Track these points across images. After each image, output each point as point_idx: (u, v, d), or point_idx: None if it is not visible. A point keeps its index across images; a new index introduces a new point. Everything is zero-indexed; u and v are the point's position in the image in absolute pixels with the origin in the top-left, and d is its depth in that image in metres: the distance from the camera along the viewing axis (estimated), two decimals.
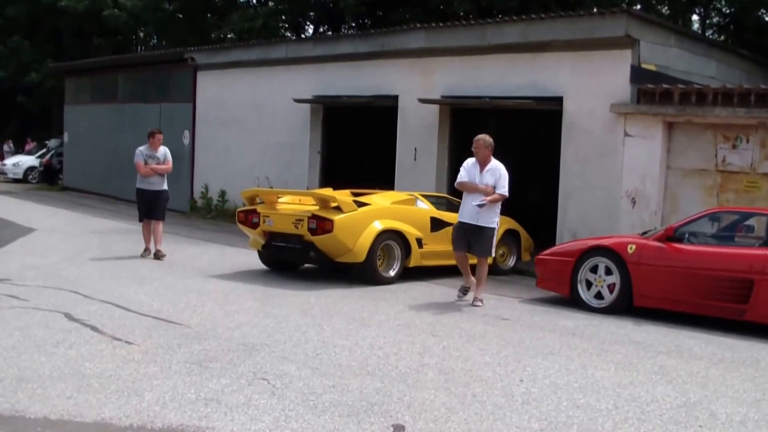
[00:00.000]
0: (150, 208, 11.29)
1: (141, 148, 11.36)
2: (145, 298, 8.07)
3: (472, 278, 8.77)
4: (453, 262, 9.07)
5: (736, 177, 10.38)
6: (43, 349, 5.92)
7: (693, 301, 8.05)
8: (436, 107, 13.73)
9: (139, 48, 38.77)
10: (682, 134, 10.92)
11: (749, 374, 6.16)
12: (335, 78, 15.69)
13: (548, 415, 4.89)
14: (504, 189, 8.53)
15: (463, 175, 8.70)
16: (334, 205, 9.61)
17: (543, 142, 13.70)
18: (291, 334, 6.74)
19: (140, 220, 11.46)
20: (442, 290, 9.45)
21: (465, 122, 13.75)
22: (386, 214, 9.94)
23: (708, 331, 7.72)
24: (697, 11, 26.55)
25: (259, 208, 10.06)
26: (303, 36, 28.46)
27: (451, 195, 11.38)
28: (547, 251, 9.48)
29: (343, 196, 10.06)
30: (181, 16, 30.90)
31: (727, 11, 25.63)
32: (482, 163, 8.63)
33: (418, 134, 14.07)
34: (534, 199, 13.78)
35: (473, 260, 8.78)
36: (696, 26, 26.55)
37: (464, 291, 8.83)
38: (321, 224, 9.37)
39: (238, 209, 10.57)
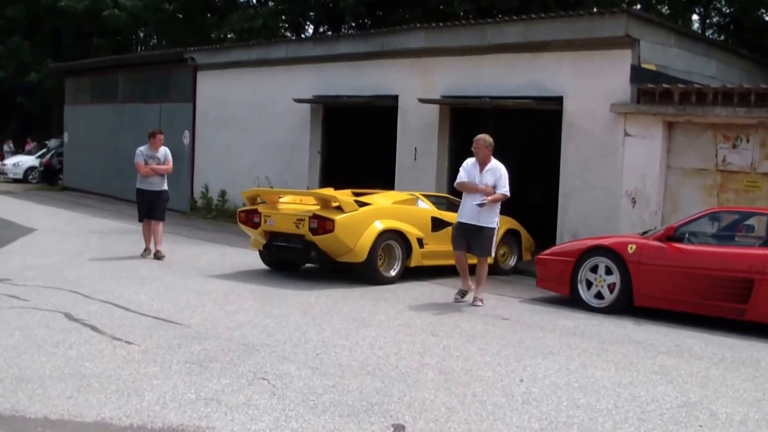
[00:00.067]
0: (150, 208, 11.28)
1: (141, 148, 11.35)
2: (145, 298, 8.07)
3: (470, 282, 8.74)
4: (454, 261, 9.07)
5: (736, 177, 10.38)
6: (43, 349, 5.92)
7: (693, 300, 8.05)
8: (436, 107, 13.73)
9: (139, 48, 38.77)
10: (682, 134, 10.92)
11: (749, 374, 6.16)
12: (335, 78, 15.69)
13: (548, 415, 4.89)
14: (505, 189, 8.53)
15: (462, 176, 8.69)
16: (335, 204, 9.61)
17: (543, 142, 13.71)
18: (291, 334, 6.74)
19: (140, 221, 11.46)
20: (443, 290, 9.45)
21: (465, 122, 13.75)
22: (387, 214, 9.94)
23: (708, 331, 7.72)
24: (697, 11, 26.56)
25: (261, 208, 10.07)
26: (303, 36, 28.47)
27: (452, 195, 11.38)
28: (547, 251, 9.48)
29: (344, 195, 10.07)
30: (181, 16, 30.92)
31: (727, 11, 25.65)
32: (482, 163, 8.62)
33: (418, 134, 14.07)
34: (534, 199, 13.78)
35: (473, 260, 8.77)
36: (696, 26, 26.56)
37: (462, 294, 8.76)
38: (322, 224, 9.37)
39: (240, 209, 10.57)
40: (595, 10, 12.60)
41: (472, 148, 8.69)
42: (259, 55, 17.63)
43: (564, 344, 6.89)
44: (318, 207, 9.73)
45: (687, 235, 8.43)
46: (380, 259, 9.76)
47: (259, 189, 11.85)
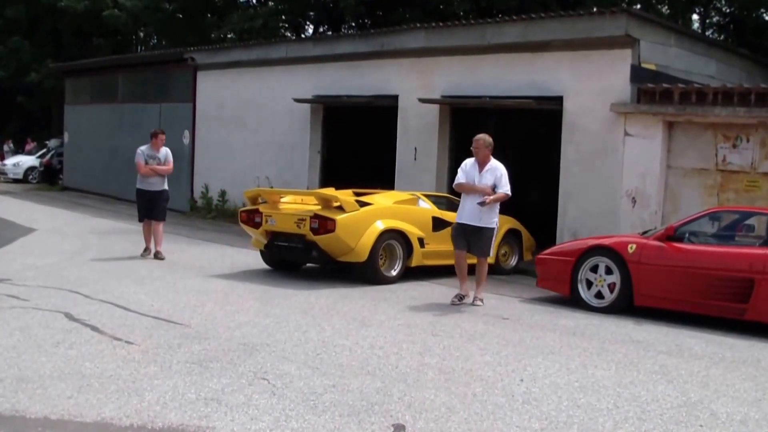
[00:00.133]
0: (150, 208, 11.27)
1: (142, 147, 11.33)
2: (146, 298, 8.07)
3: (467, 287, 8.68)
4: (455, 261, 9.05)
5: (736, 176, 10.38)
6: (43, 349, 5.92)
7: (693, 300, 8.05)
8: (436, 107, 13.73)
9: (139, 48, 38.76)
10: (682, 134, 10.92)
11: (750, 373, 6.16)
12: (335, 78, 15.68)
13: (549, 415, 4.89)
14: (506, 188, 8.51)
15: (460, 177, 8.67)
16: (336, 204, 9.62)
17: (543, 142, 13.70)
18: (291, 334, 6.73)
19: (140, 221, 11.44)
20: (443, 290, 9.44)
21: (465, 122, 13.75)
22: (388, 214, 9.95)
23: (708, 331, 7.72)
24: (697, 11, 26.55)
25: (262, 208, 10.08)
26: (303, 36, 28.47)
27: (452, 195, 11.38)
28: (548, 251, 9.48)
29: (346, 195, 10.07)
30: (181, 16, 30.91)
31: (727, 11, 25.63)
32: (482, 163, 8.61)
33: (418, 134, 14.07)
34: (534, 199, 13.78)
35: (472, 260, 8.76)
36: (696, 26, 26.55)
37: (459, 298, 8.62)
38: (323, 224, 9.37)
39: (241, 209, 10.58)
40: (595, 9, 12.59)
41: (472, 148, 8.68)
42: (259, 55, 17.63)
43: (564, 344, 6.89)
44: (319, 207, 9.73)
45: (687, 235, 8.43)
46: (381, 258, 9.76)
47: (261, 189, 11.86)
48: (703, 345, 7.11)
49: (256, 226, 10.05)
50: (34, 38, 34.57)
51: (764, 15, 24.15)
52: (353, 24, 26.97)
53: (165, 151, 11.35)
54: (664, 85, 10.95)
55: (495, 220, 8.62)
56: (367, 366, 5.82)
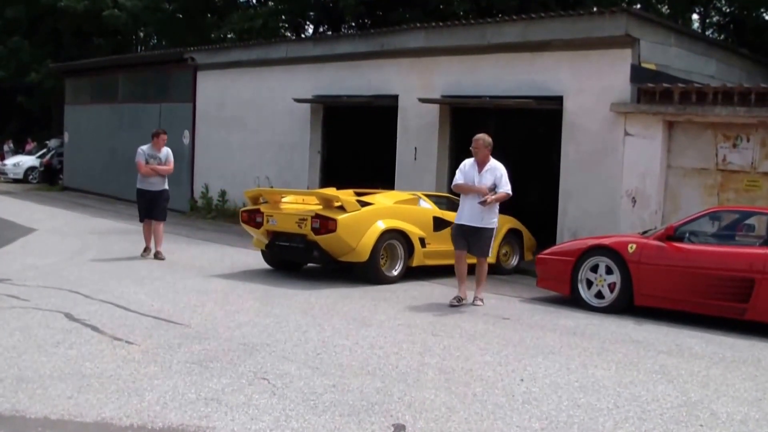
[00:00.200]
0: (150, 208, 11.26)
1: (143, 147, 11.31)
2: (146, 298, 8.07)
3: (466, 290, 8.60)
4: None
5: (736, 176, 10.38)
6: (43, 349, 5.92)
7: (694, 300, 8.05)
8: (436, 107, 13.73)
9: (139, 48, 38.75)
10: (682, 133, 10.92)
11: (750, 373, 6.16)
12: (335, 78, 15.68)
13: (549, 415, 4.88)
14: (507, 187, 8.49)
15: (458, 177, 8.64)
16: (337, 204, 9.62)
17: (543, 142, 13.70)
18: (291, 334, 6.73)
19: (141, 221, 11.43)
20: (443, 290, 9.44)
21: (465, 122, 13.74)
22: (389, 214, 9.95)
23: (709, 331, 7.72)
24: (697, 10, 26.53)
25: (263, 208, 10.08)
26: (303, 36, 28.46)
27: (453, 195, 11.38)
28: (548, 251, 9.48)
29: (347, 195, 10.07)
30: (181, 16, 30.90)
31: (727, 10, 25.62)
32: (481, 163, 8.58)
33: (418, 134, 14.07)
34: (534, 199, 13.78)
35: (472, 260, 8.75)
36: (696, 25, 26.53)
37: (458, 300, 8.50)
38: (324, 224, 9.38)
39: (242, 209, 10.59)
40: (594, 9, 12.57)
41: (471, 148, 8.65)
42: (259, 55, 17.63)
43: (564, 344, 6.88)
44: (320, 207, 9.74)
45: (687, 235, 8.43)
46: (382, 258, 9.76)
47: (262, 189, 11.86)
48: (704, 345, 7.11)
49: (258, 226, 10.05)
50: (34, 38, 34.57)
51: (764, 15, 24.14)
52: (353, 24, 26.96)
53: (166, 151, 11.34)
54: (664, 85, 10.95)
55: (495, 221, 8.62)
56: (367, 366, 5.82)
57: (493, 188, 8.45)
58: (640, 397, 5.34)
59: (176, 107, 19.87)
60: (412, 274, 10.08)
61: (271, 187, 15.29)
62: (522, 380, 5.63)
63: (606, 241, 8.79)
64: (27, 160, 29.56)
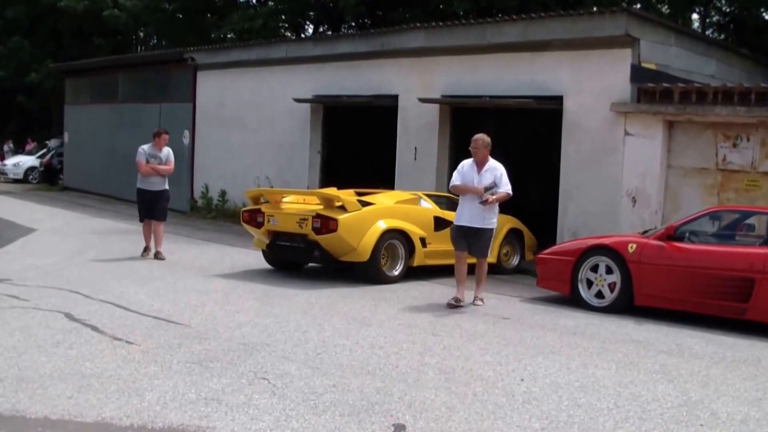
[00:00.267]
0: (151, 208, 11.24)
1: (144, 146, 11.29)
2: (146, 298, 8.07)
3: (464, 292, 8.55)
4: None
5: (736, 176, 10.37)
6: (43, 349, 5.92)
7: (694, 300, 8.05)
8: (436, 107, 13.73)
9: (139, 48, 38.75)
10: (682, 133, 10.91)
11: (750, 373, 6.16)
12: (335, 78, 15.68)
13: (549, 414, 4.88)
14: (507, 187, 8.48)
15: (456, 178, 8.61)
16: (338, 204, 9.62)
17: (543, 142, 13.70)
18: (291, 334, 6.73)
19: (140, 221, 11.42)
20: (443, 290, 9.44)
21: (465, 121, 13.74)
22: (390, 214, 9.95)
23: (709, 330, 7.72)
24: (697, 10, 26.53)
25: (264, 208, 10.09)
26: (303, 36, 28.46)
27: (453, 195, 11.38)
28: (548, 250, 9.48)
29: (348, 195, 10.07)
30: (181, 16, 30.90)
31: (727, 10, 25.62)
32: (480, 163, 8.55)
33: (418, 134, 14.06)
34: (534, 199, 13.78)
35: (471, 260, 8.74)
36: (696, 25, 26.53)
37: (456, 300, 8.41)
38: (325, 223, 9.38)
39: (243, 209, 10.59)
40: (594, 9, 12.56)
41: (471, 149, 8.62)
42: (259, 55, 17.63)
43: (565, 343, 6.88)
44: (321, 207, 9.74)
45: (687, 235, 8.43)
46: (383, 258, 9.76)
47: (263, 189, 11.87)
48: (704, 344, 7.10)
49: (259, 225, 10.05)
50: (34, 38, 34.57)
51: (764, 14, 24.13)
52: (353, 24, 26.96)
53: (167, 151, 11.32)
54: (664, 85, 10.95)
55: (495, 221, 8.61)
56: (368, 366, 5.82)
57: (491, 186, 8.41)
58: (641, 396, 5.34)
59: (176, 107, 19.87)
60: (412, 273, 10.09)
61: (271, 187, 15.29)
62: (522, 380, 5.63)
63: (606, 241, 8.79)
64: (27, 160, 29.55)
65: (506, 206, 9.03)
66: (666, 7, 24.93)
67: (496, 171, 8.49)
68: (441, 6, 23.33)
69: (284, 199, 10.37)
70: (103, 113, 23.29)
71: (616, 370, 6.05)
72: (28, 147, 31.53)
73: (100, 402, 4.77)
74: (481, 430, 4.58)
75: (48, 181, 27.69)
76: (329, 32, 26.65)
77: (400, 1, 24.06)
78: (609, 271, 8.56)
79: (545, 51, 12.21)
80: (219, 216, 17.61)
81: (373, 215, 9.74)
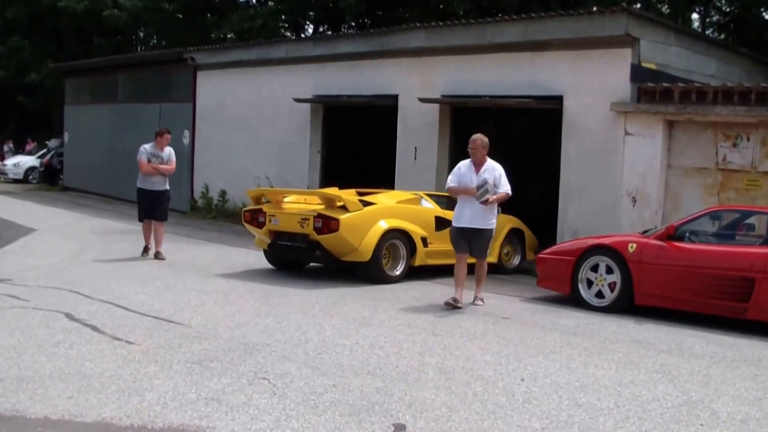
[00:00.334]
0: (151, 208, 11.22)
1: (146, 145, 11.26)
2: (146, 298, 8.07)
3: (462, 291, 8.50)
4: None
5: (736, 175, 10.37)
6: (43, 349, 5.92)
7: (694, 299, 8.05)
8: (436, 106, 13.73)
9: (139, 48, 38.75)
10: (682, 133, 10.91)
11: (751, 373, 6.16)
12: (335, 78, 15.68)
13: (549, 414, 4.88)
14: (507, 187, 8.47)
15: (452, 180, 8.59)
16: (339, 204, 9.63)
17: (543, 142, 13.69)
18: (292, 334, 6.73)
19: (140, 220, 11.41)
20: (444, 290, 9.43)
21: (465, 121, 13.73)
22: (391, 214, 9.96)
23: (709, 330, 7.72)
24: (697, 10, 26.52)
25: (265, 208, 10.09)
26: (303, 36, 28.46)
27: None
28: (548, 250, 9.48)
29: (349, 195, 10.08)
30: (181, 16, 30.88)
31: (727, 10, 25.61)
32: (479, 164, 8.51)
33: (418, 134, 14.06)
34: (534, 198, 13.77)
35: (471, 260, 8.73)
36: (696, 25, 26.52)
37: (454, 301, 8.30)
38: (327, 223, 9.39)
39: (245, 209, 10.59)
40: (595, 9, 12.57)
41: (469, 149, 8.57)
42: (259, 55, 17.63)
43: (565, 343, 6.88)
44: (322, 206, 9.75)
45: (688, 234, 8.43)
46: (385, 258, 9.77)
47: (264, 188, 11.88)
48: (704, 344, 7.10)
49: (260, 225, 10.06)
50: (34, 38, 34.57)
51: (764, 14, 24.13)
52: (353, 24, 26.96)
53: (168, 151, 11.30)
54: (665, 84, 10.95)
55: (494, 221, 8.59)
56: (368, 366, 5.81)
57: (483, 185, 8.32)
58: (641, 396, 5.34)
59: (176, 107, 19.86)
60: (413, 273, 10.09)
61: (272, 186, 15.29)
62: (522, 380, 5.63)
63: (606, 241, 8.79)
64: (27, 160, 29.56)
65: (506, 206, 9.02)
66: (666, 6, 24.91)
67: (494, 171, 8.46)
68: (441, 6, 23.32)
69: (285, 199, 10.38)
70: (103, 113, 23.29)
71: (617, 369, 6.05)
72: (28, 147, 31.53)
73: (100, 402, 4.77)
74: (481, 430, 4.58)
75: (48, 181, 27.69)
76: (329, 32, 26.66)
77: (400, 0, 24.06)
78: (609, 270, 8.56)
79: (545, 51, 12.21)
80: (219, 216, 17.61)
81: (374, 215, 9.74)
